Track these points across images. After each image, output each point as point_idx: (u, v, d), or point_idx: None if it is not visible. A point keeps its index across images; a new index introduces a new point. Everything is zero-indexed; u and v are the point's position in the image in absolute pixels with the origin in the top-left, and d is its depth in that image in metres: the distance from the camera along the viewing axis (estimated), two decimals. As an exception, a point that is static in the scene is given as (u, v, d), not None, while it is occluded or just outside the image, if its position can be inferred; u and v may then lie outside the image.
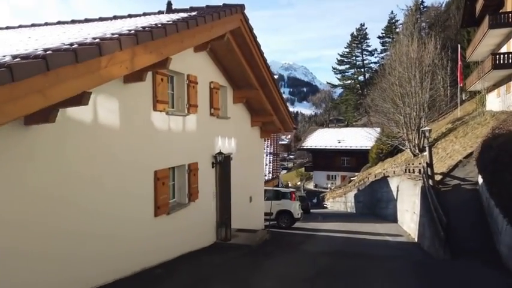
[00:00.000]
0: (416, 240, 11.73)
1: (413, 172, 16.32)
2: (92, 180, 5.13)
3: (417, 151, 24.46)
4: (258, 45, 9.27)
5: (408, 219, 14.40)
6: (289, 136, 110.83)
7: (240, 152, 10.93)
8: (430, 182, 11.77)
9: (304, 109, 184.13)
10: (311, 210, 31.00)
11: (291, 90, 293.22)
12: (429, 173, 11.75)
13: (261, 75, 9.79)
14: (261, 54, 9.46)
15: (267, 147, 24.97)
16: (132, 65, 4.65)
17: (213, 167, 9.06)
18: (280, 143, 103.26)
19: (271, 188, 16.19)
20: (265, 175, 21.60)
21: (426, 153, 12.68)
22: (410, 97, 24.55)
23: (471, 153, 14.79)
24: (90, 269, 5.07)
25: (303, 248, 9.55)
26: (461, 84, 32.05)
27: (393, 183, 20.89)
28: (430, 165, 12.06)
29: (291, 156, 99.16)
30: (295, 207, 14.83)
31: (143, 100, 6.33)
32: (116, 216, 5.60)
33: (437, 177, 13.31)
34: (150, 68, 5.33)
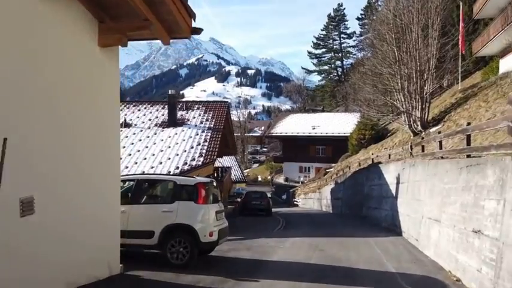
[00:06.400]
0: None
1: (441, 147, 8.85)
2: None
3: (420, 127, 17.22)
4: None
5: (443, 240, 6.89)
6: (262, 127, 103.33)
7: None
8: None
9: (281, 104, 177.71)
10: (274, 210, 23.40)
11: (268, 85, 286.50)
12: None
13: None
14: None
15: (207, 120, 17.08)
16: None
17: None
18: (251, 134, 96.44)
19: (151, 176, 8.21)
20: (194, 159, 13.70)
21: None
22: (411, 51, 17.25)
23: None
24: None
25: None
26: (463, 51, 24.87)
27: (390, 172, 13.62)
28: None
29: (264, 149, 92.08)
30: (204, 220, 6.50)
31: None
32: None
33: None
34: None
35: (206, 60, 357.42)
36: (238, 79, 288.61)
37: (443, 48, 17.54)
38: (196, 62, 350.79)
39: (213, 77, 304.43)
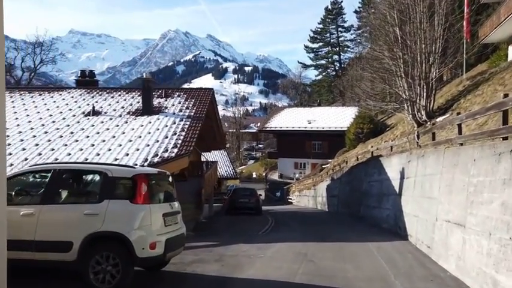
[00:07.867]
0: None
1: (460, 132, 7.11)
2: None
3: (424, 117, 15.46)
4: None
5: (471, 252, 5.14)
6: (258, 124, 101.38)
7: None
8: None
9: (277, 101, 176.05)
10: (266, 208, 21.67)
11: (265, 82, 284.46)
12: None
13: None
14: None
15: (187, 108, 15.23)
16: None
17: None
18: (247, 131, 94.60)
19: (73, 165, 6.19)
20: (167, 150, 11.87)
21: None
22: (415, 32, 15.47)
23: None
24: None
25: None
26: (468, 38, 22.98)
27: (392, 166, 11.94)
28: None
29: (260, 146, 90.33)
30: (144, 226, 4.60)
31: None
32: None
33: None
34: None
35: (203, 57, 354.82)
36: (236, 76, 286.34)
37: (451, 29, 15.77)
38: (193, 59, 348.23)
39: (210, 74, 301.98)
